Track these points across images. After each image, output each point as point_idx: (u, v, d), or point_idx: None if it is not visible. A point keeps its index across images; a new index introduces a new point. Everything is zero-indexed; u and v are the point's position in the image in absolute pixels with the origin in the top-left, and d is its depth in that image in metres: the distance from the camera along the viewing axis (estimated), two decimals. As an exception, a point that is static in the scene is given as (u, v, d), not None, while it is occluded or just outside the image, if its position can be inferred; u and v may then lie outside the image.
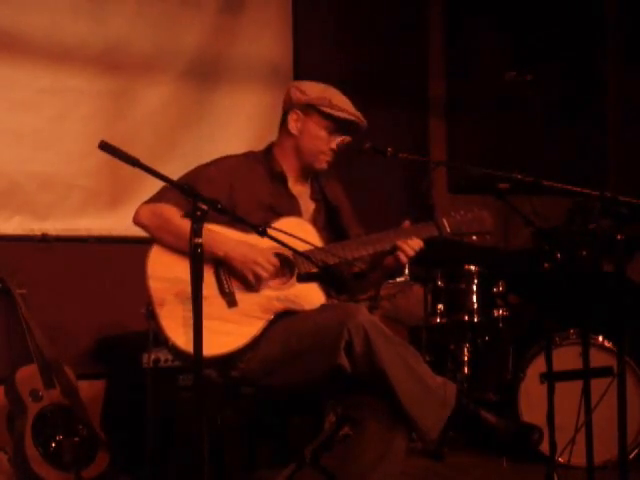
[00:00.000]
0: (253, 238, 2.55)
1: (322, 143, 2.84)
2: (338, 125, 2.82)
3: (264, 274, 2.63)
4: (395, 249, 2.72)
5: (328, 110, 2.81)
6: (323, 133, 2.83)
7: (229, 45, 4.67)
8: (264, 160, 2.92)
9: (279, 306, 2.65)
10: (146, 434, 3.35)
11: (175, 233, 2.61)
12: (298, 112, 2.85)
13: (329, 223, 2.96)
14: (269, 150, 2.95)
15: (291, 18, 4.88)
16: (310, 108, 2.83)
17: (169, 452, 3.44)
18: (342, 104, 2.83)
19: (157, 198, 2.72)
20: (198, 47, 4.57)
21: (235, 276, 2.65)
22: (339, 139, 2.83)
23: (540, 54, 5.38)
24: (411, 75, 5.28)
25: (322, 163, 2.88)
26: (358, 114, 2.85)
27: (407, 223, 2.78)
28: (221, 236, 2.65)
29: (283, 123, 2.90)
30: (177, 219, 2.57)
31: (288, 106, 2.89)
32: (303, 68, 4.86)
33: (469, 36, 5.43)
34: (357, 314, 2.49)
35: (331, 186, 3.03)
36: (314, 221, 2.88)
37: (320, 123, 2.83)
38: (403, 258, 2.71)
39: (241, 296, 2.64)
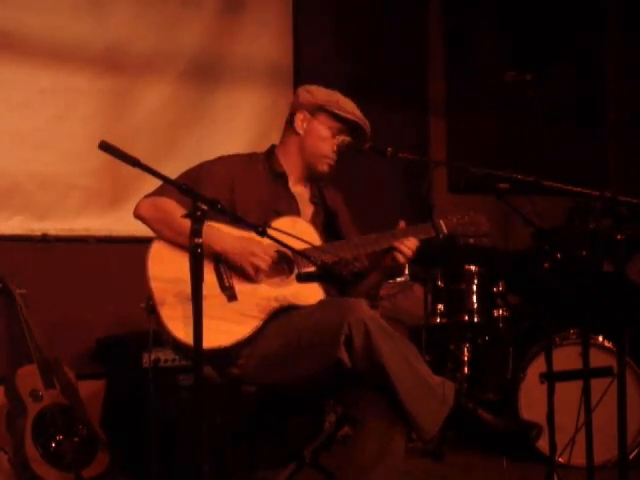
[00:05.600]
0: (252, 236, 2.56)
1: (326, 144, 2.87)
2: (343, 127, 2.86)
3: (262, 265, 2.64)
4: (392, 250, 2.73)
5: (336, 111, 2.85)
6: (328, 133, 2.87)
7: (229, 45, 4.67)
8: (265, 161, 2.95)
9: (276, 305, 2.65)
10: (146, 434, 3.34)
11: (174, 227, 2.62)
12: (305, 112, 2.89)
13: (327, 228, 2.97)
14: (270, 151, 2.98)
15: (291, 18, 4.89)
16: (318, 109, 2.87)
17: (169, 452, 3.44)
18: (349, 107, 2.87)
19: (158, 192, 2.74)
20: (198, 47, 4.57)
21: (235, 270, 2.66)
22: (339, 140, 2.85)
23: (540, 54, 5.38)
24: (411, 75, 5.29)
25: (324, 166, 2.91)
26: (364, 118, 2.89)
27: (402, 224, 2.79)
28: (219, 232, 2.66)
29: (289, 123, 2.93)
30: (176, 213, 2.57)
31: (295, 107, 2.93)
32: (303, 68, 4.86)
33: (469, 36, 5.43)
34: (357, 309, 2.49)
35: (331, 193, 3.06)
36: (313, 223, 2.89)
37: (326, 123, 2.87)
38: (401, 259, 2.73)
39: (241, 293, 2.65)
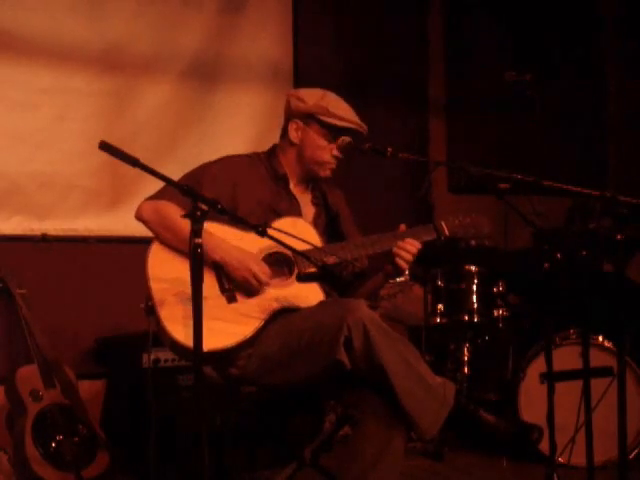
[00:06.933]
0: (252, 237, 2.56)
1: (324, 152, 2.86)
2: (337, 133, 2.83)
3: (255, 284, 2.64)
4: (392, 254, 2.72)
5: (326, 119, 2.82)
6: (323, 142, 2.85)
7: (229, 45, 4.67)
8: (267, 161, 2.94)
9: (277, 306, 2.65)
10: (146, 434, 3.34)
11: (174, 231, 2.62)
12: (298, 122, 2.87)
13: (329, 229, 2.97)
14: (272, 151, 2.97)
15: (291, 18, 4.89)
16: (309, 117, 2.85)
17: (169, 452, 3.44)
18: (341, 111, 2.84)
19: (159, 195, 2.74)
20: (198, 47, 4.57)
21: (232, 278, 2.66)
22: (339, 140, 2.83)
23: (540, 54, 5.38)
24: (411, 75, 5.29)
25: (326, 171, 2.90)
26: (357, 120, 2.86)
27: (403, 226, 2.78)
28: (217, 240, 2.66)
29: (284, 132, 2.92)
30: (177, 217, 2.57)
31: (288, 115, 2.91)
32: (303, 68, 4.86)
33: (469, 36, 5.43)
34: (357, 310, 2.48)
35: (333, 193, 3.05)
36: (314, 225, 2.88)
37: (319, 132, 2.85)
38: (403, 265, 2.72)
39: (240, 295, 2.65)
